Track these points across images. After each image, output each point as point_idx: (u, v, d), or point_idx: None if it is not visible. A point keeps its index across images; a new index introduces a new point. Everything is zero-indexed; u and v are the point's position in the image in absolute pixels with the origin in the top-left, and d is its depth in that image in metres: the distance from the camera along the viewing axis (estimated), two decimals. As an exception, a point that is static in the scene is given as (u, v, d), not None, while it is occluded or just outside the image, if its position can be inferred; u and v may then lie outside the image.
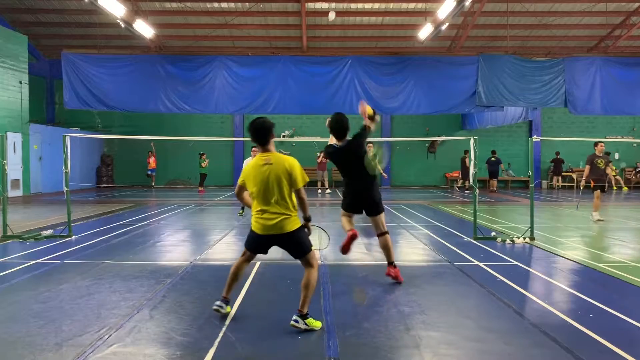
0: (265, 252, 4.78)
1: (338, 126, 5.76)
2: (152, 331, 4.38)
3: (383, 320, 4.67)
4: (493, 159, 22.57)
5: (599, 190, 11.85)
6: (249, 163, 4.78)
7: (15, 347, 4.00)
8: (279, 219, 4.51)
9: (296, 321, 4.41)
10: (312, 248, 4.66)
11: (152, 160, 22.99)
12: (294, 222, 4.57)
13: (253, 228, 4.66)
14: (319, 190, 18.34)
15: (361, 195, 5.95)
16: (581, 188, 12.20)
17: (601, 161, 11.96)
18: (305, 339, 4.23)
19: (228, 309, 4.84)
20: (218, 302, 4.75)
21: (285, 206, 4.54)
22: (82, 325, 4.48)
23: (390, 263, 6.04)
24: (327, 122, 5.87)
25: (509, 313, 4.95)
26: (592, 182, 11.94)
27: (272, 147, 4.70)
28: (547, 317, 4.83)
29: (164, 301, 5.28)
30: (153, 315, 4.80)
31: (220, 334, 4.29)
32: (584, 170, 12.38)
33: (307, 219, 4.68)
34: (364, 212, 6.05)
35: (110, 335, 4.25)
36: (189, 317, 4.74)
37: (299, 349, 4.02)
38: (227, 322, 4.61)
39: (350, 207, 6.07)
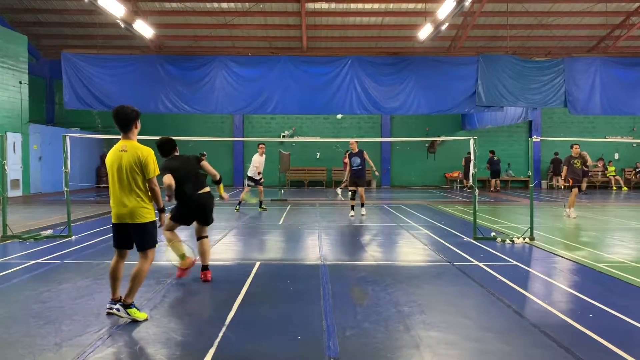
0: (128, 246, 4.78)
1: (169, 144, 6.27)
2: (152, 331, 4.38)
3: (383, 320, 4.67)
4: (496, 158, 22.67)
5: (576, 189, 12.73)
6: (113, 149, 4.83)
7: (15, 347, 4.00)
8: (131, 207, 4.56)
9: (118, 309, 4.56)
10: (156, 245, 4.79)
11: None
12: (147, 214, 4.61)
13: (112, 217, 4.73)
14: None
15: (202, 205, 6.14)
16: (563, 188, 12.78)
17: (577, 162, 12.86)
18: (305, 339, 4.23)
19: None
20: (108, 305, 4.75)
21: (138, 195, 4.57)
22: (82, 325, 4.48)
23: (206, 267, 6.15)
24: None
25: (509, 313, 4.95)
26: (570, 180, 12.78)
27: (133, 135, 4.75)
28: (546, 317, 4.83)
29: (164, 301, 5.28)
30: (153, 315, 4.80)
31: (220, 334, 4.29)
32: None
33: (161, 210, 4.75)
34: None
35: (110, 335, 4.25)
36: (189, 317, 4.74)
37: (299, 349, 4.03)
38: (227, 321, 4.62)
39: (184, 217, 6.20)
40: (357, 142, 12.80)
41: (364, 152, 12.73)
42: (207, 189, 6.20)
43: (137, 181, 4.58)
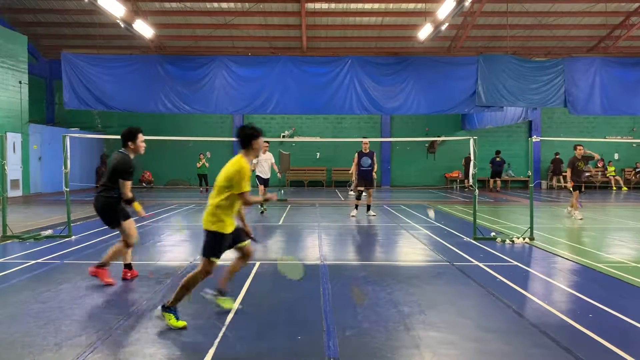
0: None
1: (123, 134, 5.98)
2: (152, 331, 4.38)
3: (383, 320, 4.67)
4: (498, 159, 22.74)
5: (577, 191, 12.54)
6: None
7: (15, 347, 4.01)
8: (205, 213, 4.65)
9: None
10: (210, 256, 4.59)
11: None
12: (211, 222, 4.58)
13: None
14: (350, 191, 19.09)
15: (95, 207, 6.03)
16: (570, 189, 12.75)
17: (581, 163, 12.70)
18: (306, 339, 4.23)
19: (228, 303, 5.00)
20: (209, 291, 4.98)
21: (212, 204, 4.61)
22: (82, 326, 4.48)
23: (103, 265, 5.98)
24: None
25: (509, 313, 4.96)
26: (571, 183, 12.63)
27: (244, 151, 4.75)
28: (546, 317, 4.83)
29: (164, 301, 5.26)
30: (153, 315, 4.80)
31: (220, 334, 4.29)
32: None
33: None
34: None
35: (110, 336, 4.25)
36: (189, 317, 4.73)
37: (299, 349, 4.03)
38: (227, 322, 4.62)
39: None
40: (369, 142, 12.81)
41: (374, 153, 12.74)
42: (111, 193, 5.84)
43: (215, 190, 4.64)
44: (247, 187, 4.55)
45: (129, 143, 5.90)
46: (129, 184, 5.80)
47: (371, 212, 12.80)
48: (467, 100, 17.87)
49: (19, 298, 5.40)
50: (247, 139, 4.75)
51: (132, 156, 5.94)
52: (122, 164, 5.79)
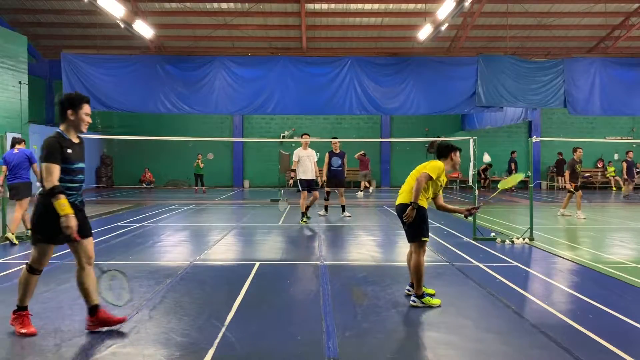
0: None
1: None
2: (152, 331, 4.38)
3: (383, 320, 4.67)
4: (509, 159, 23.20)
5: (580, 191, 12.72)
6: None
7: (15, 347, 4.01)
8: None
9: (414, 301, 5.12)
10: (423, 239, 5.44)
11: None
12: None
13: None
14: (370, 191, 19.63)
15: None
16: (571, 190, 12.82)
17: (580, 166, 12.93)
18: (305, 339, 4.23)
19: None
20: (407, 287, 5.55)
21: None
22: (82, 325, 4.47)
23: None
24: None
25: (509, 313, 4.96)
26: (572, 184, 12.78)
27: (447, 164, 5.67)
28: (546, 317, 4.83)
29: (164, 302, 5.28)
30: (152, 315, 4.80)
31: (220, 334, 4.29)
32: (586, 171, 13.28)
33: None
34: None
35: (110, 336, 4.25)
36: (189, 318, 4.74)
37: (298, 349, 4.02)
38: (227, 322, 4.61)
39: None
40: (339, 142, 12.90)
41: (345, 154, 12.84)
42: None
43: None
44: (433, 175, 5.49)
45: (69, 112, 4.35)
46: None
47: (346, 213, 12.56)
48: (467, 100, 17.88)
49: (19, 298, 5.39)
50: (444, 150, 5.66)
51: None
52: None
